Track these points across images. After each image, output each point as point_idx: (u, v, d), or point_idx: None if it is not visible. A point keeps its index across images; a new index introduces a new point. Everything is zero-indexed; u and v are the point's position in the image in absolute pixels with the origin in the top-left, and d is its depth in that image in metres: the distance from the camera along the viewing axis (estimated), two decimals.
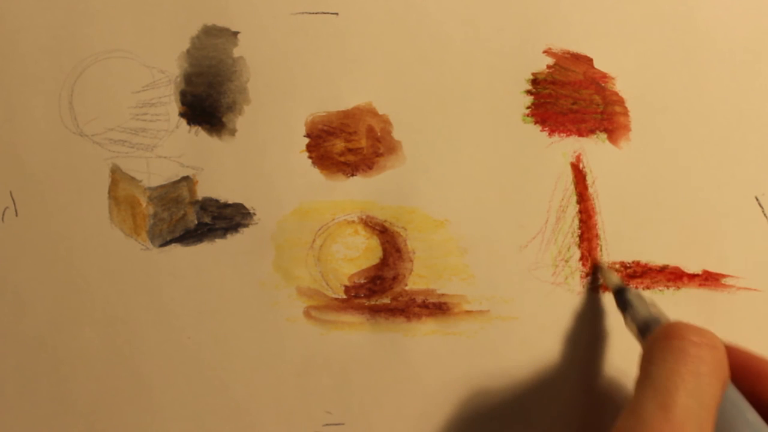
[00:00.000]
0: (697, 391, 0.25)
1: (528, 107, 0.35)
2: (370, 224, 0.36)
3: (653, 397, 0.25)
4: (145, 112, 0.36)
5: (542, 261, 0.35)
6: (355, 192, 0.36)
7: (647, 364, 0.26)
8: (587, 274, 0.35)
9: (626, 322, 0.32)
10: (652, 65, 0.35)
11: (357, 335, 0.36)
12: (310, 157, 0.36)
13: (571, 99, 0.35)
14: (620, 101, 0.35)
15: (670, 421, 0.24)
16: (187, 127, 0.36)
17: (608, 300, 0.35)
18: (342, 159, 0.36)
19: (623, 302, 0.32)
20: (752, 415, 0.27)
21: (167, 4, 0.36)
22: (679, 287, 0.35)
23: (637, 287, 0.35)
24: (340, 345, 0.36)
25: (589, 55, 0.35)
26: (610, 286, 0.34)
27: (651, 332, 0.29)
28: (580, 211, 0.35)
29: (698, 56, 0.35)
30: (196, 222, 0.36)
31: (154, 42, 0.36)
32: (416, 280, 0.36)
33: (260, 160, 0.36)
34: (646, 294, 0.35)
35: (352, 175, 0.36)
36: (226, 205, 0.36)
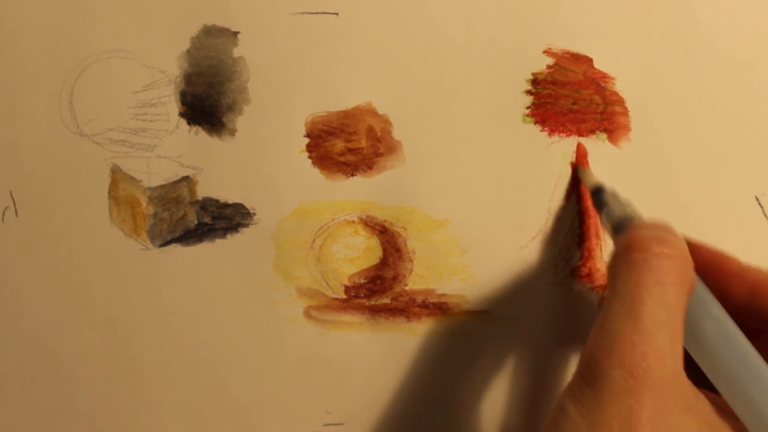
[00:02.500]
0: (663, 299, 0.25)
1: (528, 107, 0.35)
2: (370, 224, 0.36)
3: (620, 309, 0.25)
4: (145, 112, 0.36)
5: (542, 261, 0.35)
6: (355, 192, 0.36)
7: (613, 278, 0.26)
8: (585, 274, 0.35)
9: (601, 222, 0.33)
10: (652, 65, 0.35)
11: (357, 335, 0.36)
12: (310, 157, 0.36)
13: (571, 99, 0.35)
14: (620, 101, 0.35)
15: (640, 331, 0.24)
16: (187, 127, 0.36)
17: None
18: (342, 159, 0.36)
19: (599, 202, 0.33)
20: (717, 311, 0.27)
21: (167, 4, 0.36)
22: None
23: None
24: (340, 345, 0.36)
25: (589, 55, 0.35)
26: (587, 186, 0.34)
27: (624, 231, 0.29)
28: (580, 211, 0.35)
29: (698, 56, 0.35)
30: (196, 222, 0.36)
31: (154, 42, 0.36)
32: (416, 280, 0.36)
33: (260, 160, 0.36)
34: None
35: (352, 175, 0.36)
36: (226, 205, 0.36)
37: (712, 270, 0.29)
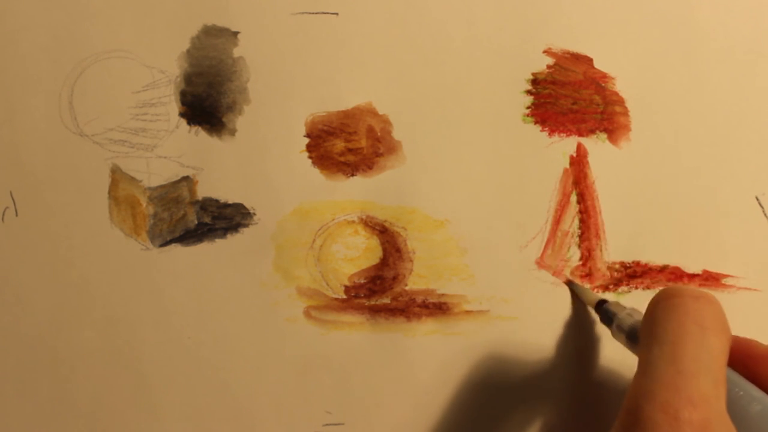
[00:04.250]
0: (704, 342, 0.24)
1: (528, 107, 0.35)
2: (370, 224, 0.36)
3: (660, 354, 0.24)
4: (145, 112, 0.36)
5: (542, 261, 0.35)
6: (355, 192, 0.36)
7: (650, 325, 0.26)
8: (585, 274, 0.35)
9: (613, 334, 0.32)
10: (652, 65, 0.35)
11: (357, 335, 0.36)
12: (310, 157, 0.36)
13: (571, 99, 0.35)
14: (620, 101, 0.35)
15: (682, 373, 0.23)
16: (187, 127, 0.36)
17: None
18: (342, 159, 0.36)
19: (606, 314, 0.32)
20: (757, 392, 0.26)
21: (167, 4, 0.36)
22: None
23: (637, 287, 0.35)
24: (340, 345, 0.36)
25: (589, 55, 0.35)
26: (588, 302, 0.34)
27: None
28: (580, 211, 0.35)
29: (698, 56, 0.35)
30: (196, 222, 0.36)
31: (154, 42, 0.36)
32: (416, 280, 0.36)
33: (260, 160, 0.36)
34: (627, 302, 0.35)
35: (352, 175, 0.36)
36: (226, 205, 0.36)
37: (738, 357, 0.28)
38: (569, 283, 0.35)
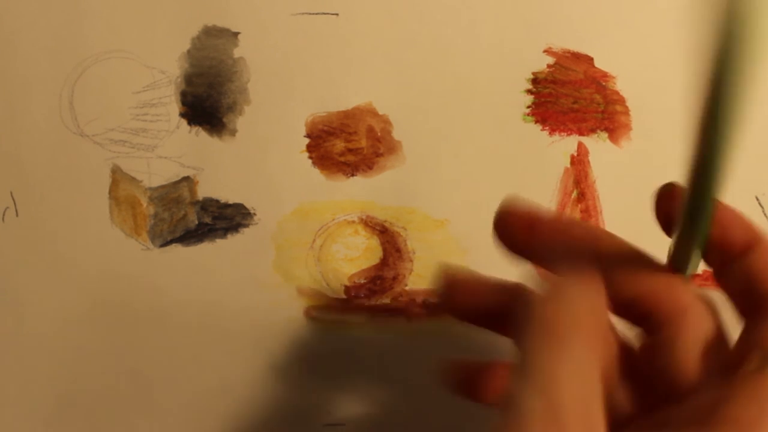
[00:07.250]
0: (564, 364, 0.20)
1: (528, 106, 0.35)
2: (370, 224, 0.36)
3: (525, 387, 0.20)
4: (146, 113, 0.36)
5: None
6: (355, 192, 0.36)
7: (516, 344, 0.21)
8: None
9: None
10: (652, 64, 0.35)
11: (357, 335, 0.36)
12: (310, 157, 0.36)
13: (571, 98, 0.35)
14: (621, 100, 0.35)
15: (549, 422, 0.19)
16: (188, 127, 0.36)
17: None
18: (342, 159, 0.36)
19: None
20: None
21: (168, 5, 0.36)
22: None
23: None
24: (340, 345, 0.36)
25: (589, 54, 0.35)
26: None
27: None
28: (581, 211, 0.35)
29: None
30: (196, 222, 0.36)
31: (154, 42, 0.36)
32: (416, 280, 0.36)
33: (261, 161, 0.36)
34: None
35: (352, 175, 0.36)
36: (227, 205, 0.36)
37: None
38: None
